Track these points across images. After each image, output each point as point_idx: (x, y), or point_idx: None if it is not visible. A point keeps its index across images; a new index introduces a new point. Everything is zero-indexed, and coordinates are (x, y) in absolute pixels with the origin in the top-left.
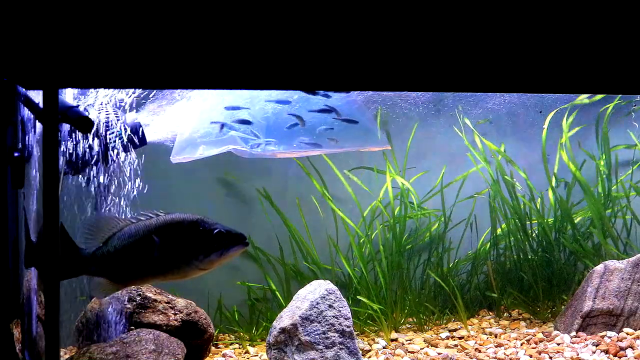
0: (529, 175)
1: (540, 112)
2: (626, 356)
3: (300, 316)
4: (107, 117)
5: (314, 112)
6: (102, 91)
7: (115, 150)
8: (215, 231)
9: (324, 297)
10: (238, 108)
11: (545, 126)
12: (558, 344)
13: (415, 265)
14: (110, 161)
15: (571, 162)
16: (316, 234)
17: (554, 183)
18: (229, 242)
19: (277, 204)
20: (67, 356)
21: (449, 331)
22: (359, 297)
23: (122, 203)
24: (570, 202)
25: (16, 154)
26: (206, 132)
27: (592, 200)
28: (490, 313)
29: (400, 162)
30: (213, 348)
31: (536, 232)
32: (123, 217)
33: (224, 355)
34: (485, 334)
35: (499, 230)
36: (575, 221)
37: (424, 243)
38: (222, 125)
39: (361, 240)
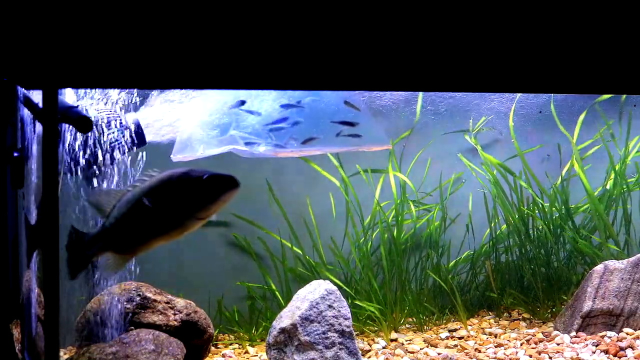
0: (535, 173)
1: (540, 112)
2: (626, 356)
3: (300, 316)
4: (107, 117)
5: (336, 123)
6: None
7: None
8: (205, 176)
9: (324, 297)
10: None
11: (514, 139)
12: (558, 344)
13: (415, 264)
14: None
15: (577, 163)
16: (317, 232)
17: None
18: (220, 186)
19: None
20: (66, 356)
21: (449, 331)
22: (356, 302)
23: None
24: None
25: (16, 154)
26: (209, 130)
27: (593, 201)
28: (490, 313)
29: (400, 163)
30: (213, 348)
31: (537, 232)
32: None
33: (223, 356)
34: (485, 334)
35: (498, 232)
36: (574, 216)
37: (423, 240)
38: (242, 102)
39: (361, 241)
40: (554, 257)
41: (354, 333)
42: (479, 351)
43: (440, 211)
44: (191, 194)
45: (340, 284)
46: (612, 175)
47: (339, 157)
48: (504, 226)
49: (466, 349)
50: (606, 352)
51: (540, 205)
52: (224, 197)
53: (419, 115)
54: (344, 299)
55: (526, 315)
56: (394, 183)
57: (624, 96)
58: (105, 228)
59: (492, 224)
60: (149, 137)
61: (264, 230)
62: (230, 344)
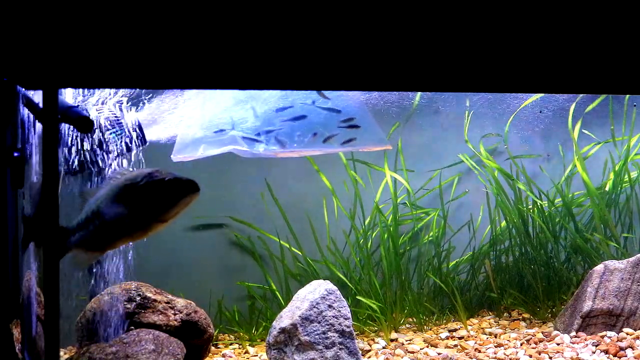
0: (534, 172)
1: (541, 111)
2: (626, 356)
3: (300, 316)
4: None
5: (322, 109)
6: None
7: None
8: (167, 179)
9: (324, 297)
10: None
11: (506, 146)
12: (558, 344)
13: (415, 265)
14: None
15: (579, 161)
16: (317, 232)
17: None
18: (181, 189)
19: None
20: (66, 356)
21: (449, 331)
22: (358, 297)
23: None
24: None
25: (16, 154)
26: (208, 131)
27: (595, 202)
28: (490, 313)
29: (399, 163)
30: (213, 348)
31: (537, 232)
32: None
33: (223, 356)
34: (485, 334)
35: (498, 229)
36: (573, 208)
37: (424, 244)
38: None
39: (361, 242)
40: (552, 256)
41: (354, 333)
42: (479, 351)
43: (442, 218)
44: (154, 197)
45: (344, 278)
46: (612, 176)
47: (352, 156)
48: (503, 223)
49: (466, 349)
50: (606, 352)
51: (540, 206)
52: (184, 201)
53: (418, 113)
54: (344, 299)
55: (526, 315)
56: (391, 183)
57: (627, 96)
58: (78, 223)
59: (492, 225)
60: (149, 137)
61: (261, 231)
62: (231, 344)
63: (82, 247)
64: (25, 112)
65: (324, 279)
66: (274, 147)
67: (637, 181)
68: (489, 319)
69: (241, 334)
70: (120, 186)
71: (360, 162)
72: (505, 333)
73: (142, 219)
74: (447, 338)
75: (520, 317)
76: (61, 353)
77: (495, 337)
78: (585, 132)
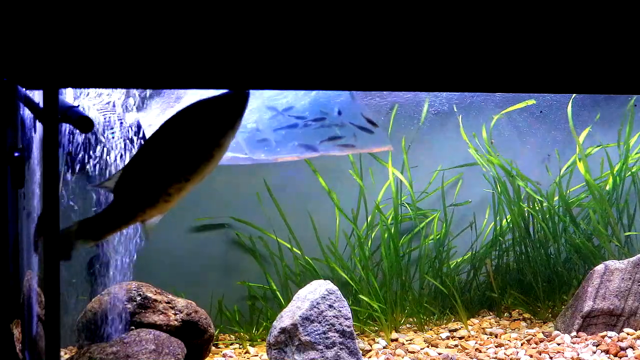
0: (536, 173)
1: (541, 112)
2: (627, 356)
3: (300, 316)
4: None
5: (355, 126)
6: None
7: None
8: (221, 95)
9: (325, 297)
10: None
11: (497, 154)
12: (558, 344)
13: (416, 265)
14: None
15: (582, 162)
16: (315, 232)
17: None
18: (240, 100)
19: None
20: (67, 356)
21: (450, 331)
22: (360, 296)
23: None
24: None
25: (16, 154)
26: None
27: (597, 202)
28: (491, 313)
29: (399, 164)
30: (213, 348)
31: (537, 231)
32: None
33: (224, 355)
34: (486, 334)
35: (498, 228)
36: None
37: (425, 245)
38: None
39: (361, 241)
40: (553, 255)
41: (355, 333)
42: (480, 351)
43: (442, 221)
44: (215, 117)
45: (346, 277)
46: (611, 178)
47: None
48: (505, 221)
49: (467, 348)
50: (607, 352)
51: (539, 204)
52: (244, 112)
53: (425, 116)
54: (344, 299)
55: (527, 315)
56: (393, 182)
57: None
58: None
59: (494, 224)
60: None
61: (262, 231)
62: (231, 344)
63: (124, 222)
64: (25, 111)
65: (325, 279)
66: (273, 154)
67: (636, 173)
68: (489, 319)
69: (242, 333)
70: (163, 127)
71: (372, 156)
72: (505, 333)
73: (205, 145)
74: (447, 338)
75: (521, 317)
76: (61, 353)
77: (496, 337)
78: (588, 130)
